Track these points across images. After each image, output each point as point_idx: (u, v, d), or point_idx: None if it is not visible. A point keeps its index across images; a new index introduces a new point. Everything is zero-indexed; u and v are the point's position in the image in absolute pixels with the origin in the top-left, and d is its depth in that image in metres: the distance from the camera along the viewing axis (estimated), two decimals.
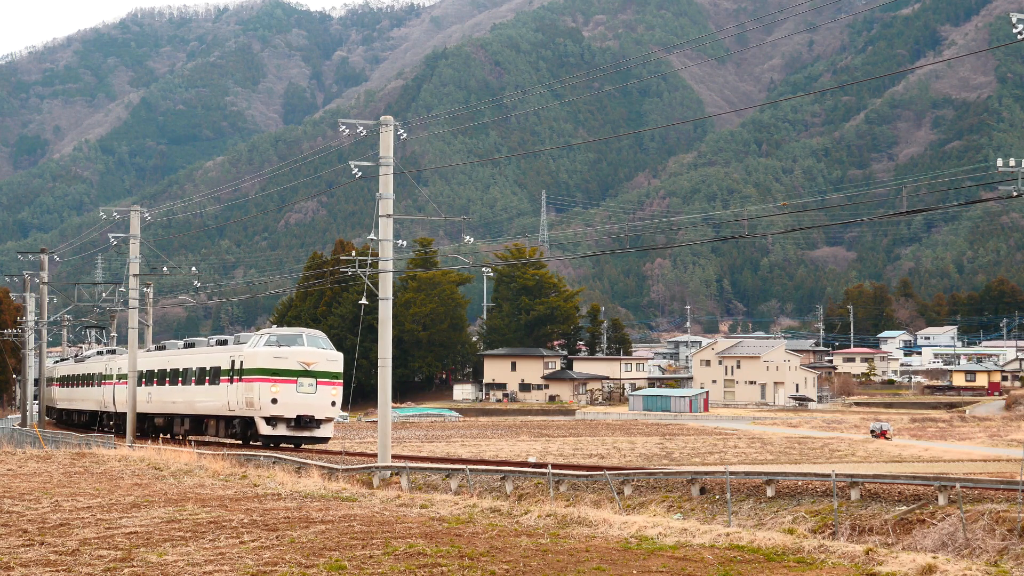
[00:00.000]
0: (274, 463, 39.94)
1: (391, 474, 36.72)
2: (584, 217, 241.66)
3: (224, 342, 52.48)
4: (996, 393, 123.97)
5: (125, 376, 59.49)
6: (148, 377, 56.80)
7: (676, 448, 53.86)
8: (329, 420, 46.56)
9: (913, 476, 25.96)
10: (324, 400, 45.69)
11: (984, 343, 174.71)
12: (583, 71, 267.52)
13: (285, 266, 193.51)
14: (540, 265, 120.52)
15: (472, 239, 59.16)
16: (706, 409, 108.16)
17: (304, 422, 45.65)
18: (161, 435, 53.86)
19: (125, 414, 57.69)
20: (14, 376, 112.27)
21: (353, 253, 67.18)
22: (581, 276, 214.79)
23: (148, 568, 17.06)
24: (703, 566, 17.99)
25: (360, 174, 39.53)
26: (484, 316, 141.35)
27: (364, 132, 39.42)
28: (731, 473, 28.10)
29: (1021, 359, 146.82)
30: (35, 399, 79.15)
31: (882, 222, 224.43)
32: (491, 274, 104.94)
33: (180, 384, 53.49)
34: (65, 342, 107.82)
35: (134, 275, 58.44)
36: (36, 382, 79.89)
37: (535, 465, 37.18)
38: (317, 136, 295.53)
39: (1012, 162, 49.98)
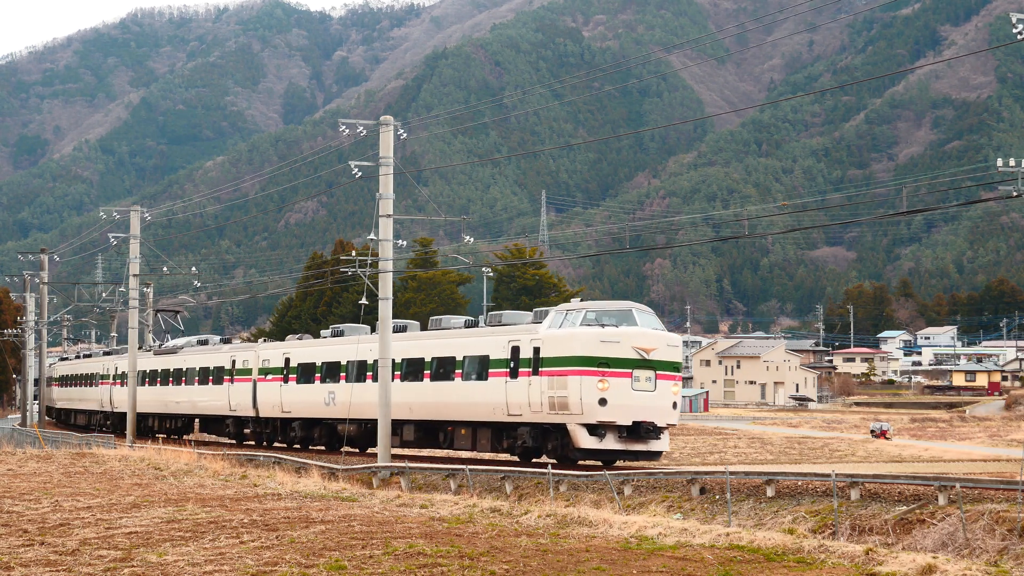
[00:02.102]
0: (274, 463, 39.94)
1: (391, 474, 36.71)
2: (584, 217, 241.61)
3: (472, 324, 39.84)
4: (996, 393, 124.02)
5: (223, 373, 50.83)
6: (302, 372, 45.45)
7: (676, 448, 53.88)
8: (669, 427, 34.96)
9: (913, 476, 25.96)
10: (665, 400, 33.95)
11: (984, 343, 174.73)
12: (583, 71, 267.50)
13: (285, 266, 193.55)
14: (540, 265, 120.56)
15: (472, 239, 59.17)
16: (706, 409, 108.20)
17: (643, 431, 33.33)
18: (310, 446, 45.51)
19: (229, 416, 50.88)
20: (14, 376, 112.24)
21: (353, 253, 67.12)
22: (581, 276, 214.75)
23: (148, 568, 17.06)
24: (703, 566, 17.99)
25: (360, 174, 39.56)
26: (485, 316, 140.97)
27: (364, 132, 39.44)
28: (731, 473, 28.10)
29: (1021, 359, 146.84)
30: (35, 399, 79.14)
31: (882, 222, 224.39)
32: (491, 274, 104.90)
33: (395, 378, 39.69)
34: (65, 341, 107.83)
35: (134, 275, 58.47)
36: (36, 382, 79.88)
37: (534, 465, 37.18)
38: (317, 136, 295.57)
39: (1012, 162, 49.96)
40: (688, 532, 21.57)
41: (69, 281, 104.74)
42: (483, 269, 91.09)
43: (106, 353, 72.89)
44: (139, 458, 39.88)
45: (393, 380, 38.32)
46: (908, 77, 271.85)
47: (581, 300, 37.54)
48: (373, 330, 42.61)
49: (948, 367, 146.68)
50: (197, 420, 57.20)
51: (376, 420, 38.58)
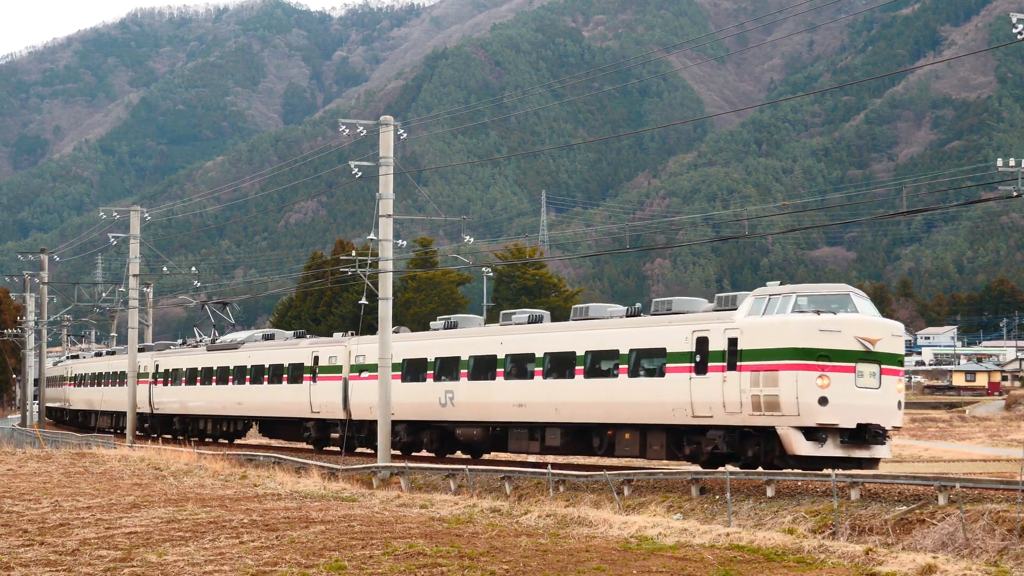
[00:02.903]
0: (275, 463, 39.93)
1: (391, 474, 36.69)
2: (584, 217, 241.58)
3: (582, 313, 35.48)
4: (996, 393, 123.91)
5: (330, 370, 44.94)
6: (409, 369, 40.31)
7: None
8: (894, 431, 31.07)
9: (913, 476, 25.95)
10: (890, 399, 29.50)
11: (984, 343, 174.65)
12: (583, 71, 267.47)
13: (285, 266, 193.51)
14: (540, 265, 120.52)
15: (472, 239, 59.22)
16: None
17: (867, 435, 28.94)
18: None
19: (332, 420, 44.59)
20: (14, 376, 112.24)
21: (353, 253, 67.02)
22: (581, 276, 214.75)
23: (148, 568, 17.06)
24: (703, 566, 17.99)
25: (360, 174, 39.60)
26: (484, 316, 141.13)
27: (364, 132, 39.45)
28: (731, 473, 28.08)
29: (1021, 359, 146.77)
30: (35, 399, 79.09)
31: (882, 222, 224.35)
32: (491, 274, 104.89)
33: (537, 375, 35.01)
34: (66, 341, 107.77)
35: (134, 275, 58.49)
36: (36, 382, 79.82)
37: (535, 465, 37.16)
38: (317, 136, 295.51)
39: (1012, 162, 49.96)
40: (688, 532, 21.57)
41: (69, 281, 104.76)
42: (483, 269, 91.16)
43: (140, 349, 68.85)
44: (139, 458, 39.88)
45: (534, 377, 34.91)
46: (908, 77, 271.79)
47: (780, 284, 31.32)
48: (493, 320, 40.41)
49: (948, 367, 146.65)
50: (256, 423, 52.52)
51: (505, 423, 36.04)
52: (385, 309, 38.91)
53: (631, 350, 32.45)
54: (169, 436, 56.62)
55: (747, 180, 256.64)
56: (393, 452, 39.68)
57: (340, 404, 42.92)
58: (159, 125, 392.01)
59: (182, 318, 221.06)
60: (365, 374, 41.70)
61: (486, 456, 40.95)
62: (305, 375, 45.51)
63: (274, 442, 52.49)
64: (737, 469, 29.60)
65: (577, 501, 29.44)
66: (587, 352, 33.82)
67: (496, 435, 37.37)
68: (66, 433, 62.22)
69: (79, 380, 74.38)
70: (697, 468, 31.54)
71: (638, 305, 35.45)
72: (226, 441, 54.19)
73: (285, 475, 35.20)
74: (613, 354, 33.10)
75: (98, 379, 69.48)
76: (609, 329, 33.50)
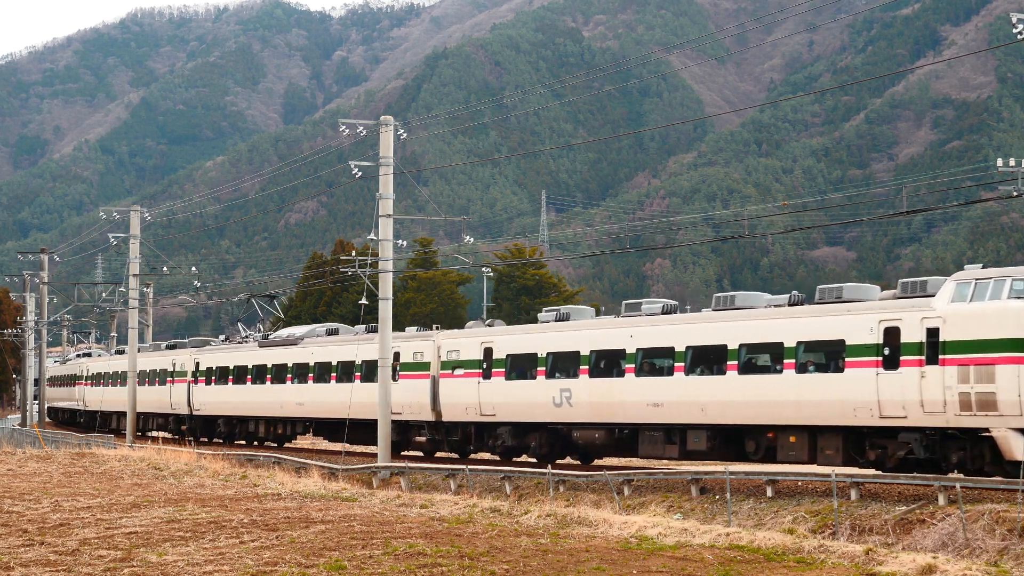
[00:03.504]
0: (275, 463, 39.92)
1: (391, 474, 36.69)
2: (584, 217, 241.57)
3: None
4: None
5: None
6: (514, 366, 37.04)
7: None
8: None
9: (913, 476, 25.94)
10: None
11: None
12: (583, 71, 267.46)
13: (285, 266, 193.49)
14: (540, 265, 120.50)
15: (472, 239, 59.20)
16: None
17: None
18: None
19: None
20: (14, 376, 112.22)
21: (353, 253, 66.90)
22: (581, 276, 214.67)
23: (148, 568, 17.05)
24: (703, 566, 17.98)
25: (360, 174, 39.64)
26: (484, 316, 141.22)
27: (364, 132, 39.48)
28: (731, 473, 28.08)
29: None
30: (35, 399, 79.06)
31: (882, 222, 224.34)
32: (491, 274, 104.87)
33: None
34: (65, 342, 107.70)
35: (134, 275, 58.54)
36: (36, 382, 79.78)
37: (535, 465, 37.14)
38: (317, 136, 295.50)
39: (1012, 162, 49.97)
40: (688, 532, 21.57)
41: (69, 281, 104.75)
42: (483, 269, 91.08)
43: (170, 346, 62.91)
44: (139, 458, 39.88)
45: (673, 373, 31.89)
46: (908, 77, 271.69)
47: (973, 266, 27.82)
48: (595, 312, 36.42)
49: None
50: (311, 425, 48.33)
51: (635, 425, 33.12)
52: (385, 309, 38.93)
53: (799, 343, 29.19)
54: (211, 440, 53.35)
55: (747, 180, 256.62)
56: (492, 457, 38.34)
57: (428, 404, 39.50)
58: (159, 125, 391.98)
59: (182, 318, 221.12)
60: (460, 371, 38.48)
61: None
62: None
63: (336, 445, 47.82)
64: (737, 469, 29.57)
65: (577, 501, 29.43)
66: (741, 345, 30.66)
67: (622, 438, 34.17)
68: (66, 433, 62.23)
69: (97, 379, 70.02)
70: (697, 468, 31.47)
71: (795, 293, 32.26)
72: (275, 444, 50.98)
73: (285, 475, 35.22)
74: (775, 347, 29.87)
75: (121, 379, 64.73)
76: (769, 320, 30.36)
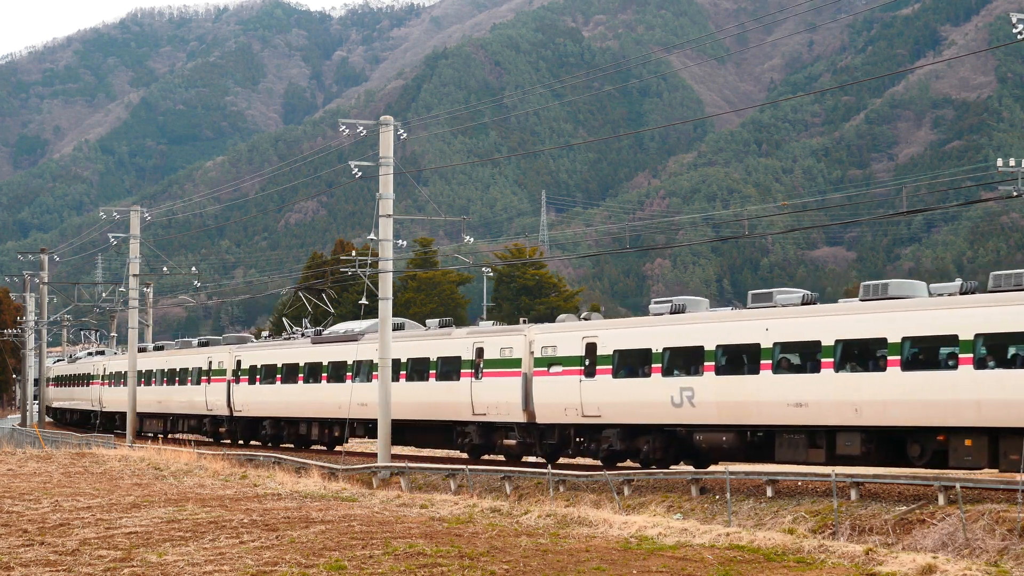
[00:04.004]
0: (275, 463, 39.92)
1: (391, 474, 36.69)
2: (584, 217, 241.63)
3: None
4: None
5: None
6: (622, 363, 34.00)
7: None
8: None
9: (913, 476, 25.95)
10: None
11: None
12: (583, 71, 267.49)
13: (285, 266, 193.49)
14: (540, 265, 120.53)
15: (472, 239, 59.18)
16: None
17: None
18: None
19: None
20: (14, 376, 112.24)
21: (353, 253, 66.88)
22: (581, 276, 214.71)
23: (148, 568, 17.05)
24: (703, 566, 17.98)
25: (360, 174, 39.65)
26: (484, 316, 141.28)
27: (364, 132, 39.49)
28: (731, 473, 28.08)
29: None
30: (35, 399, 79.03)
31: (882, 222, 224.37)
32: (491, 274, 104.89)
33: None
34: (65, 341, 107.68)
35: (134, 275, 58.55)
36: (36, 382, 79.73)
37: (535, 465, 37.13)
38: (317, 136, 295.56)
39: (1012, 162, 49.98)
40: (688, 532, 21.57)
41: (69, 281, 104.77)
42: (483, 269, 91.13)
43: (203, 343, 58.45)
44: (139, 458, 39.88)
45: (820, 370, 29.07)
46: (908, 77, 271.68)
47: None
48: (698, 304, 33.64)
49: None
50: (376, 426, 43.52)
51: (772, 427, 30.32)
52: (385, 309, 38.92)
53: (977, 335, 26.42)
54: (254, 442, 50.02)
55: (747, 180, 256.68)
56: (593, 463, 35.23)
57: (519, 404, 36.06)
58: (159, 125, 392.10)
59: (182, 318, 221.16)
60: (557, 368, 35.06)
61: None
62: (464, 370, 38.42)
63: (401, 449, 44.52)
64: (737, 469, 29.56)
65: (577, 501, 29.43)
66: (904, 339, 27.89)
67: (754, 442, 31.24)
68: (66, 433, 62.18)
69: (118, 379, 65.21)
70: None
71: (959, 281, 30.15)
72: (323, 448, 47.61)
73: (285, 475, 35.22)
74: (949, 340, 27.24)
75: (151, 377, 60.34)
76: (939, 310, 27.62)
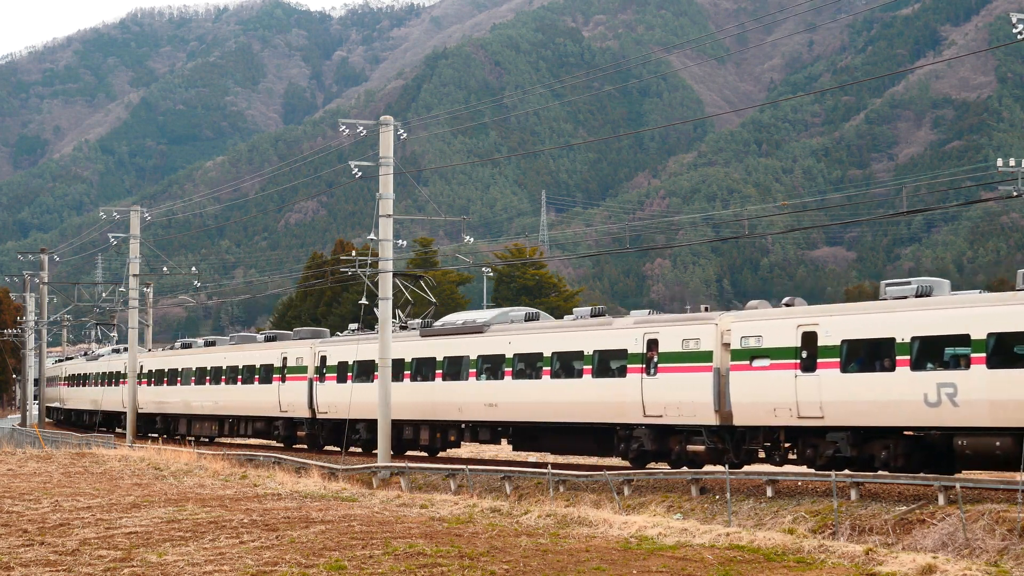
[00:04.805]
0: (275, 463, 39.91)
1: (391, 474, 36.68)
2: (584, 217, 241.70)
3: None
4: None
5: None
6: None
7: None
8: None
9: (913, 476, 25.94)
10: None
11: None
12: (583, 71, 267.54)
13: (285, 266, 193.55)
14: (540, 265, 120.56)
15: (472, 239, 59.17)
16: None
17: None
18: None
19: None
20: (14, 376, 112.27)
21: (353, 253, 66.85)
22: (581, 276, 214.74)
23: (148, 568, 17.05)
24: (703, 566, 17.98)
25: (360, 174, 39.64)
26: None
27: (364, 132, 39.50)
28: (731, 473, 28.08)
29: None
30: (35, 399, 78.97)
31: (882, 222, 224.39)
32: (491, 274, 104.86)
33: None
34: (65, 342, 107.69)
35: (134, 275, 58.54)
36: (36, 382, 79.64)
37: (535, 465, 37.12)
38: (317, 136, 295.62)
39: (1012, 162, 49.98)
40: (688, 532, 21.57)
41: (69, 281, 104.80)
42: (483, 269, 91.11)
43: (270, 338, 52.99)
44: (139, 458, 39.89)
45: (971, 366, 26.25)
46: (908, 77, 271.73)
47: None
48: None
49: None
50: (507, 429, 38.87)
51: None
52: (385, 309, 38.91)
53: None
54: (340, 447, 44.34)
55: (747, 180, 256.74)
56: (804, 468, 29.99)
57: (709, 404, 31.35)
58: (159, 125, 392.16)
59: (182, 318, 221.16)
60: (762, 362, 30.17)
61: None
62: (631, 365, 33.20)
63: (538, 455, 40.95)
64: (737, 469, 29.59)
65: (577, 501, 29.43)
66: None
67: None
68: (66, 433, 62.15)
69: (151, 377, 59.32)
70: (697, 468, 31.40)
71: None
72: (426, 453, 42.73)
73: (285, 475, 35.22)
74: None
75: (204, 376, 54.86)
76: None
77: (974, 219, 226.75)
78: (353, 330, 47.56)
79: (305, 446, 47.03)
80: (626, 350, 33.52)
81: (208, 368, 54.23)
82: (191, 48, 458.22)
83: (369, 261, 41.36)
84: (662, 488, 30.06)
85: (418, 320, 44.31)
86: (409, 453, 42.42)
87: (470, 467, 34.07)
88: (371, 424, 42.15)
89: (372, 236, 39.02)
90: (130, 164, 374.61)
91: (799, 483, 28.26)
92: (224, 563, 17.44)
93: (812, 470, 29.09)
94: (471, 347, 38.87)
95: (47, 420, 77.76)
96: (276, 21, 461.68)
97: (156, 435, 56.76)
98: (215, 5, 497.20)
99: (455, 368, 39.37)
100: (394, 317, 43.71)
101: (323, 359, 45.78)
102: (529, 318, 38.95)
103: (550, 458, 35.14)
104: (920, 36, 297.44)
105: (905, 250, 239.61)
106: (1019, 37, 25.78)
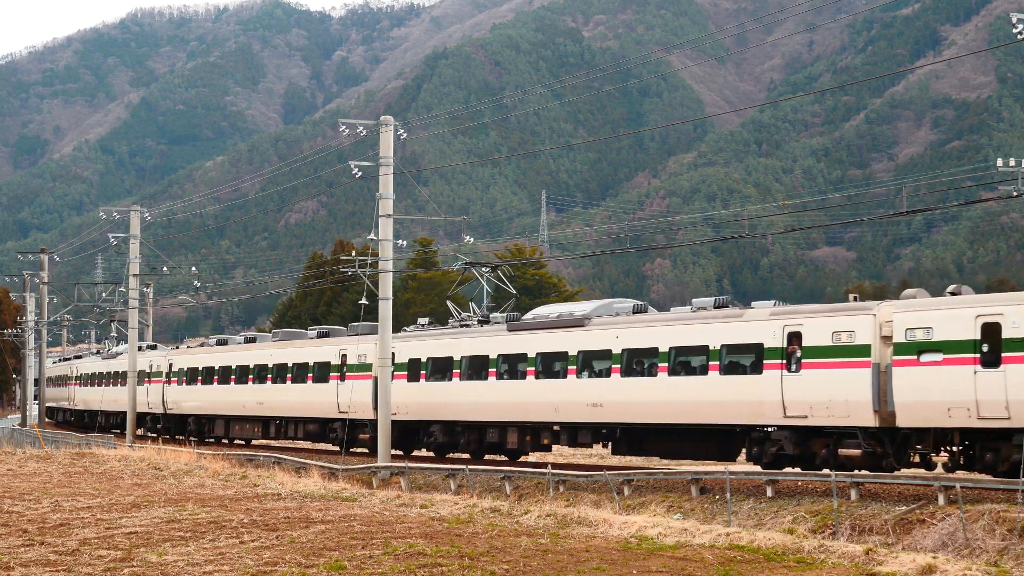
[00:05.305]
0: (274, 463, 39.92)
1: (391, 474, 36.68)
2: (584, 217, 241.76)
3: None
4: None
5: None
6: None
7: None
8: None
9: (913, 476, 25.94)
10: None
11: None
12: (583, 71, 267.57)
13: (285, 266, 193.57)
14: (540, 265, 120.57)
15: (472, 239, 59.19)
16: None
17: None
18: None
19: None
20: (14, 376, 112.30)
21: (353, 253, 66.81)
22: (581, 276, 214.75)
23: (148, 568, 17.05)
24: (703, 566, 17.98)
25: (360, 174, 39.63)
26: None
27: (364, 132, 39.50)
28: (731, 473, 28.09)
29: None
30: (35, 399, 78.95)
31: (882, 222, 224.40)
32: (496, 273, 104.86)
33: None
34: (65, 342, 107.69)
35: (134, 275, 58.54)
36: (36, 382, 79.61)
37: (535, 465, 37.11)
38: (317, 136, 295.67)
39: (1012, 162, 49.98)
40: (688, 532, 21.57)
41: (69, 281, 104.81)
42: (483, 269, 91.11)
43: (322, 334, 48.38)
44: (139, 458, 39.89)
45: None
46: (908, 77, 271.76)
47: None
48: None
49: None
50: (614, 432, 34.78)
51: None
52: (385, 309, 38.92)
53: None
54: (409, 452, 41.95)
55: (747, 180, 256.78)
56: (926, 474, 26.38)
57: (866, 403, 27.86)
58: (159, 125, 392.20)
59: (182, 318, 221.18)
60: (932, 356, 26.93)
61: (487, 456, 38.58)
62: (768, 360, 29.81)
63: (643, 459, 38.21)
64: (737, 469, 29.58)
65: (577, 501, 29.44)
66: None
67: None
68: (66, 433, 62.15)
69: (193, 376, 55.77)
70: (697, 468, 31.36)
71: None
72: (504, 459, 40.22)
73: (285, 475, 35.23)
74: None
75: (246, 374, 51.44)
76: None
77: (974, 219, 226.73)
78: (423, 325, 44.44)
79: (367, 450, 43.62)
80: (762, 344, 30.10)
81: (251, 366, 50.60)
82: (191, 48, 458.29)
83: (369, 261, 41.33)
84: (662, 488, 30.07)
85: (501, 314, 41.20)
86: (489, 457, 40.28)
87: (470, 467, 34.08)
88: (447, 426, 40.22)
89: (372, 236, 39.01)
90: (130, 164, 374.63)
91: (799, 483, 28.26)
92: (224, 563, 17.45)
93: (812, 471, 29.08)
94: (570, 342, 35.55)
95: (47, 420, 77.76)
96: (276, 21, 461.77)
97: (184, 437, 54.66)
98: (215, 5, 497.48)
99: (551, 365, 36.19)
100: (463, 311, 42.59)
101: (392, 357, 40.92)
102: (637, 310, 35.67)
103: (567, 459, 33.83)
104: (920, 36, 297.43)
105: (905, 250, 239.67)
106: (1019, 37, 25.79)
